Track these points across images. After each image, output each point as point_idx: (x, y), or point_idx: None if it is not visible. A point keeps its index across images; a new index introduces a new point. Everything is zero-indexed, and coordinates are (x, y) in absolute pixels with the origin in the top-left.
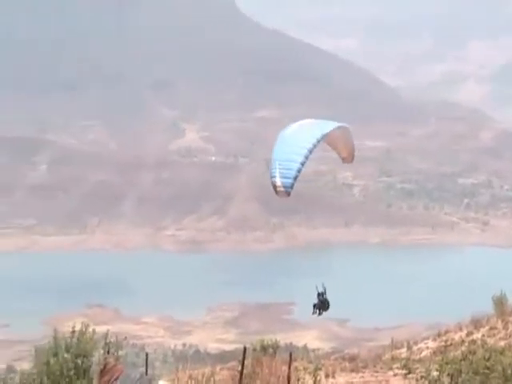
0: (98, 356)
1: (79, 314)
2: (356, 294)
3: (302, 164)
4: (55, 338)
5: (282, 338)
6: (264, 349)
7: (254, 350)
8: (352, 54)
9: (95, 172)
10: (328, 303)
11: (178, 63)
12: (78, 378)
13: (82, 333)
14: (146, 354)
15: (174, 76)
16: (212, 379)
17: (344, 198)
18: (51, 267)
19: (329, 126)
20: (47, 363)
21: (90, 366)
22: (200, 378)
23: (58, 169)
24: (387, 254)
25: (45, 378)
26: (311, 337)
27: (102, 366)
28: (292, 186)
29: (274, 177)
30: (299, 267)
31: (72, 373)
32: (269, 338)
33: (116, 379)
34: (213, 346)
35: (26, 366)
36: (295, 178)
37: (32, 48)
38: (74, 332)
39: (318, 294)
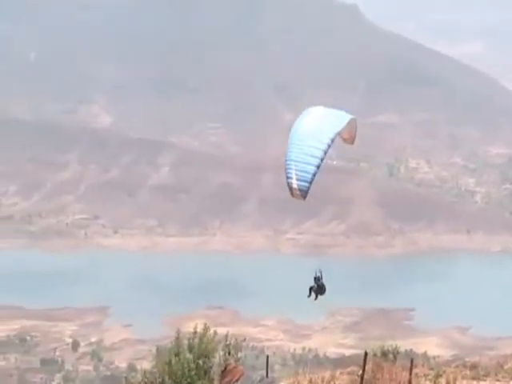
0: (218, 357)
1: (199, 315)
2: (477, 302)
3: (318, 167)
4: (177, 338)
5: (402, 344)
6: (384, 354)
7: (374, 355)
8: (475, 59)
9: (217, 174)
10: (325, 288)
11: (301, 66)
12: (199, 379)
13: (204, 334)
14: (267, 357)
15: (296, 79)
16: (332, 383)
17: (466, 205)
18: (172, 268)
19: (341, 121)
20: (169, 363)
21: (211, 367)
22: (320, 382)
23: (181, 170)
24: (510, 262)
25: (166, 378)
26: (431, 344)
27: (222, 367)
28: (308, 190)
29: (291, 178)
30: (419, 273)
31: (193, 373)
32: (389, 344)
33: (237, 381)
34: (332, 351)
35: (146, 365)
36: (311, 182)
37: (159, 50)
38: (195, 333)
39: (315, 278)
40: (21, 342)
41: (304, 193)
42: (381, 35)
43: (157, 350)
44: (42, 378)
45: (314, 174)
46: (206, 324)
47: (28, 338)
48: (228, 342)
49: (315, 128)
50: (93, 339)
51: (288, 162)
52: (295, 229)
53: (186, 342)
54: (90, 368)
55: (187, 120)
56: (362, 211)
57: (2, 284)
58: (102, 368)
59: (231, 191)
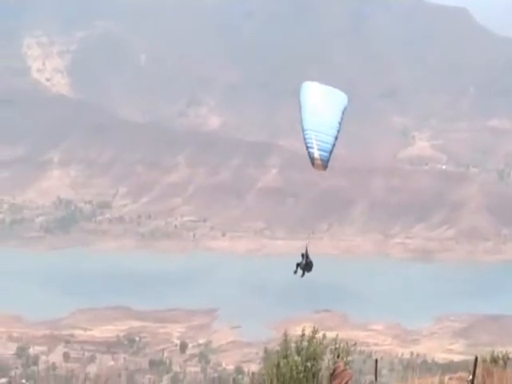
0: (327, 360)
1: (306, 318)
2: None
3: (336, 138)
4: (286, 340)
5: None
6: (494, 361)
7: (484, 361)
8: None
9: (325, 177)
10: (312, 264)
11: (409, 71)
12: (307, 381)
13: (312, 337)
14: (376, 361)
15: (403, 83)
16: None
17: None
18: (280, 271)
19: (343, 97)
20: (277, 365)
21: (320, 370)
22: None
23: (289, 173)
24: None
25: (274, 380)
26: None
27: (331, 370)
28: (329, 161)
29: (312, 148)
30: None
31: (301, 375)
32: (499, 350)
33: None
34: (441, 356)
35: (254, 367)
36: (331, 153)
37: (268, 54)
38: (303, 336)
39: (302, 256)
40: (129, 342)
41: (325, 162)
42: (492, 39)
43: (265, 352)
44: (150, 379)
45: (333, 145)
46: (314, 327)
47: (137, 338)
48: (337, 346)
49: (324, 101)
50: (201, 341)
51: (307, 132)
52: (404, 233)
53: (293, 344)
54: (198, 370)
55: (295, 122)
56: (472, 216)
57: (112, 285)
58: (209, 370)
59: (339, 194)
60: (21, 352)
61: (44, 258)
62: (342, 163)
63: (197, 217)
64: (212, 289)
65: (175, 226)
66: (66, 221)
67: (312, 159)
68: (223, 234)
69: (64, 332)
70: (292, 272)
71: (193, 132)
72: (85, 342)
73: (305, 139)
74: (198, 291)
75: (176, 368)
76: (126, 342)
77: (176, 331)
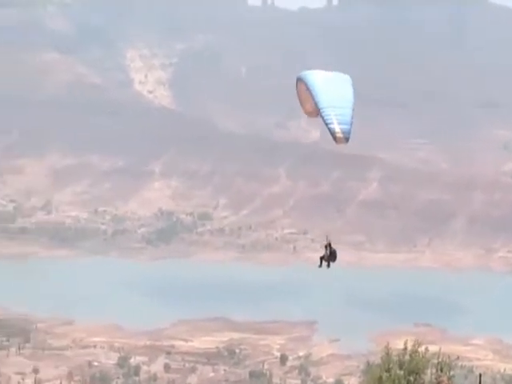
0: (429, 374)
1: (406, 331)
2: None
3: (353, 110)
4: (387, 354)
5: None
6: None
7: None
8: None
9: (425, 190)
10: (336, 253)
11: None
12: None
13: (414, 350)
14: (480, 375)
15: (506, 95)
16: None
17: None
18: (380, 284)
19: (347, 77)
20: (379, 379)
21: None
22: None
23: (389, 186)
24: None
25: None
26: None
27: None
28: (350, 132)
29: (332, 123)
30: None
31: None
32: None
33: None
34: None
35: (354, 380)
36: (351, 124)
37: (368, 66)
38: (405, 349)
39: (326, 246)
40: (230, 354)
41: (347, 135)
42: None
43: (367, 365)
44: None
45: (352, 117)
46: (417, 340)
47: (237, 350)
48: (440, 360)
49: (333, 80)
50: (301, 353)
51: (324, 110)
52: (506, 247)
53: (395, 358)
54: (298, 382)
55: (395, 135)
56: None
57: (212, 296)
58: (309, 383)
59: (440, 208)
60: (122, 362)
61: (145, 269)
62: (443, 176)
63: (297, 229)
64: (312, 301)
65: (276, 238)
66: (167, 232)
67: (333, 134)
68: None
69: (165, 343)
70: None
71: (293, 144)
72: (185, 352)
73: (323, 117)
74: (298, 303)
75: (276, 380)
76: (226, 354)
77: (276, 343)
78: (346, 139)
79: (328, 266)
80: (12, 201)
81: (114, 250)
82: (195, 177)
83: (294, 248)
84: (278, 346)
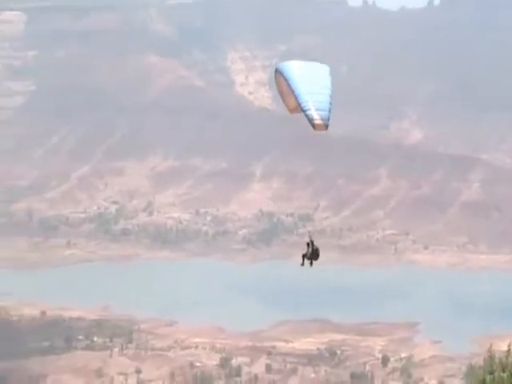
0: None
1: (510, 334)
2: None
3: (331, 97)
4: (490, 356)
5: None
6: None
7: None
8: None
9: None
10: (319, 251)
11: None
12: None
13: None
14: None
15: None
16: None
17: None
18: (482, 286)
19: (324, 65)
20: (482, 381)
21: None
22: None
23: (492, 187)
24: None
25: None
26: None
27: None
28: (329, 119)
29: (309, 109)
30: None
31: None
32: None
33: None
34: None
35: (456, 382)
36: (330, 111)
37: (469, 65)
38: (509, 351)
39: (308, 244)
40: (331, 355)
41: (326, 121)
42: None
43: (469, 367)
44: None
45: (330, 103)
46: None
47: (338, 351)
48: None
49: (309, 69)
50: (403, 355)
51: (300, 97)
52: None
53: (498, 360)
54: None
55: (498, 136)
56: None
57: (313, 297)
58: None
59: None
60: (224, 363)
61: (246, 270)
62: None
63: (398, 230)
64: (413, 302)
65: (377, 239)
66: (268, 233)
67: (311, 121)
68: (425, 248)
69: (266, 344)
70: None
71: (394, 145)
72: (286, 353)
73: (300, 104)
74: (399, 304)
75: (378, 382)
76: (327, 355)
77: (377, 344)
78: (326, 126)
79: (311, 264)
80: (114, 202)
81: (215, 251)
82: (296, 178)
83: (396, 249)
84: (380, 348)
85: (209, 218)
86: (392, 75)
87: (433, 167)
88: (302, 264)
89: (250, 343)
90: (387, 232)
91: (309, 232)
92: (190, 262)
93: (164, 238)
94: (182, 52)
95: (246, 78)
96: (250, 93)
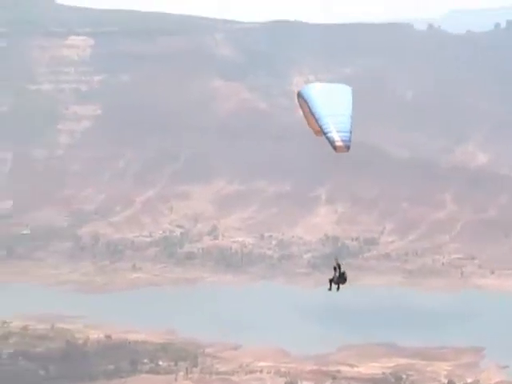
0: None
1: None
2: None
3: (352, 118)
4: None
5: None
6: None
7: None
8: None
9: None
10: (346, 276)
11: None
12: None
13: None
14: None
15: None
16: None
17: None
18: None
19: (345, 85)
20: None
21: None
22: None
23: None
24: None
25: None
26: None
27: None
28: (350, 140)
29: (330, 132)
30: None
31: None
32: None
33: None
34: None
35: None
36: (351, 132)
37: None
38: None
39: (335, 268)
40: (396, 380)
41: (347, 143)
42: None
43: None
44: None
45: (352, 125)
46: None
47: (404, 376)
48: None
49: (330, 90)
50: (469, 380)
51: (321, 120)
52: None
53: None
54: None
55: None
56: None
57: (378, 321)
58: None
59: None
60: None
61: (311, 294)
62: None
63: (464, 254)
64: (480, 327)
65: (442, 263)
66: (333, 257)
67: (333, 143)
68: (492, 272)
69: (331, 368)
70: None
71: (460, 168)
72: (351, 378)
73: (321, 127)
74: (465, 329)
75: None
76: (392, 380)
77: (443, 369)
78: (347, 147)
79: (337, 288)
80: (179, 226)
81: (280, 275)
82: (361, 202)
83: (462, 273)
84: (446, 373)
85: (274, 242)
86: (457, 98)
87: (499, 190)
88: (330, 289)
89: (314, 367)
90: (453, 256)
91: (335, 256)
92: (255, 285)
93: (229, 261)
94: (248, 75)
95: None
96: None
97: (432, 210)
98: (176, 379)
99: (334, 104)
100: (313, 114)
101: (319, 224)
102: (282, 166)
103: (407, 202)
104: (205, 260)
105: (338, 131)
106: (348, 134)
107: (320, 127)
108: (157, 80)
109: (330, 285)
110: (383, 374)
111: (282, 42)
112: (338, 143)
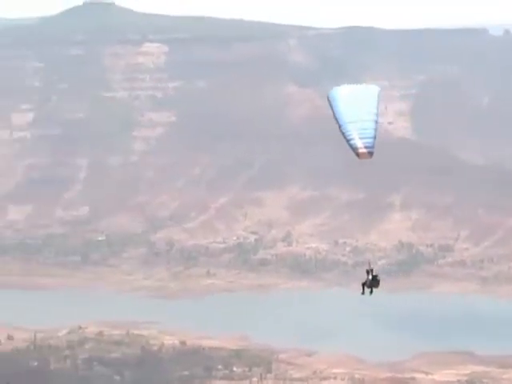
0: None
1: None
2: None
3: (377, 123)
4: None
5: None
6: None
7: None
8: None
9: None
10: (379, 279)
11: None
12: None
13: None
14: None
15: None
16: None
17: None
18: None
19: (374, 87)
20: None
21: None
22: None
23: None
24: None
25: None
26: None
27: None
28: (373, 146)
29: (353, 139)
30: None
31: None
32: None
33: None
34: None
35: None
36: (375, 138)
37: None
38: None
39: (368, 272)
40: None
41: (370, 149)
42: None
43: None
44: None
45: (376, 129)
46: None
47: None
48: None
49: (357, 94)
50: None
51: (344, 126)
52: None
53: None
54: None
55: None
56: None
57: (453, 328)
58: None
59: None
60: None
61: (385, 301)
62: None
63: None
64: None
65: None
66: (407, 264)
67: (355, 150)
68: None
69: (406, 375)
70: None
71: None
72: None
73: (344, 134)
74: None
75: None
76: None
77: None
78: (370, 154)
79: (371, 292)
80: (253, 233)
81: (355, 281)
82: (435, 208)
83: None
84: None
85: (348, 249)
86: None
87: None
88: (363, 293)
89: (389, 374)
90: None
91: (368, 260)
92: (329, 291)
93: (303, 267)
94: (321, 81)
95: (385, 107)
96: (390, 123)
97: (508, 216)
98: None
99: (357, 109)
100: (336, 120)
101: (393, 230)
102: (355, 172)
103: (483, 209)
104: (279, 266)
105: (360, 138)
106: (371, 140)
107: (342, 134)
108: (231, 87)
109: (363, 288)
110: (458, 381)
111: (356, 47)
112: (362, 150)
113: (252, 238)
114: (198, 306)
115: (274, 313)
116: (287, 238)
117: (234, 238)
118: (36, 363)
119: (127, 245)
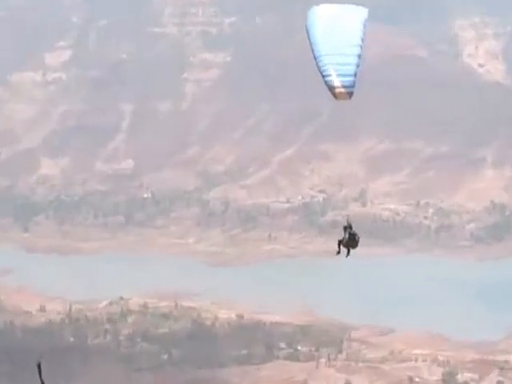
0: None
1: None
2: None
3: (360, 57)
4: None
5: None
6: None
7: None
8: None
9: None
10: (358, 237)
11: None
12: None
13: None
14: None
15: None
16: None
17: None
18: None
19: (361, 10)
20: None
21: None
22: None
23: None
24: None
25: None
26: None
27: None
28: (354, 85)
29: (329, 75)
30: None
31: None
32: None
33: None
34: None
35: None
36: (356, 75)
37: None
38: None
39: (345, 228)
40: None
41: (350, 89)
42: None
43: None
44: None
45: (358, 65)
46: None
47: None
48: None
49: (339, 20)
50: None
51: (320, 59)
52: None
53: None
54: None
55: None
56: None
57: None
58: None
59: None
60: (448, 378)
61: (474, 270)
62: None
63: None
64: None
65: None
66: (500, 228)
67: (332, 89)
68: None
69: (498, 357)
70: None
71: None
72: None
73: (319, 69)
74: None
75: None
76: None
77: None
78: (349, 94)
79: (347, 253)
80: (321, 191)
81: (439, 247)
82: None
83: None
84: None
85: (431, 211)
86: None
87: None
88: (338, 252)
89: (477, 356)
90: None
91: (347, 217)
92: (409, 259)
93: (379, 231)
94: (399, 18)
95: (476, 47)
96: (480, 65)
97: None
98: (317, 367)
99: (338, 38)
100: (312, 50)
101: (484, 190)
102: (440, 122)
103: None
104: None
105: (338, 75)
106: (351, 79)
107: (318, 69)
108: (296, 23)
109: (339, 247)
110: None
111: None
112: (339, 89)
113: (320, 197)
114: (258, 275)
115: (345, 283)
116: (361, 198)
117: (300, 197)
118: (72, 339)
119: (176, 204)
